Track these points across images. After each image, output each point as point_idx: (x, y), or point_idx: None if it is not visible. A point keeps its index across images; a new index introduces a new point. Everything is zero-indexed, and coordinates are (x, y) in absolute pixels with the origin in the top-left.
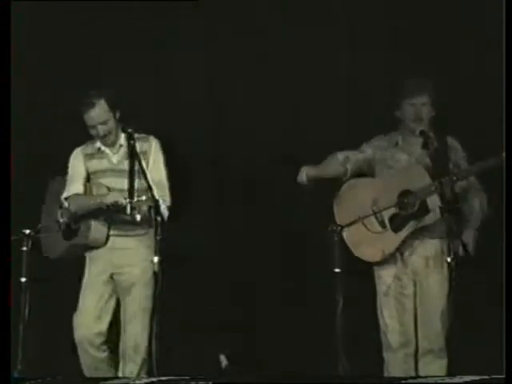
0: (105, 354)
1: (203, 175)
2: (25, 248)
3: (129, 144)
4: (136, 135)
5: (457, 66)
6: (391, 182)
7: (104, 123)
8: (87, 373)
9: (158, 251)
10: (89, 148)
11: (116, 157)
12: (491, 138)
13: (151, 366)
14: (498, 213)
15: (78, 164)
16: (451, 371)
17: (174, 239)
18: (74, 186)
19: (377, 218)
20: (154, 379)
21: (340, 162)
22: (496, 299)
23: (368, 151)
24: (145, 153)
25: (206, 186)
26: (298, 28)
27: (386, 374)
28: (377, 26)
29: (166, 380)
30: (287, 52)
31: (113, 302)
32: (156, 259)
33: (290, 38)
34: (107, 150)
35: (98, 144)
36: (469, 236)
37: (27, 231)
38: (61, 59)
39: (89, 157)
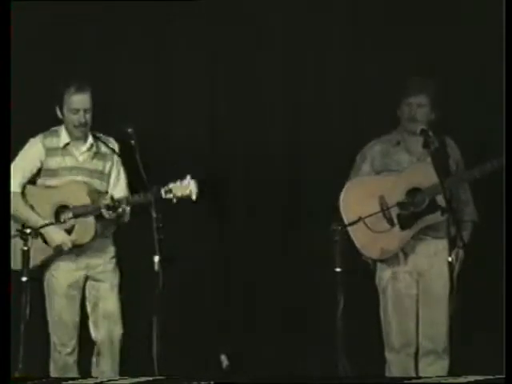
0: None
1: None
2: (25, 247)
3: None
4: (98, 135)
5: (457, 67)
6: (399, 179)
7: (87, 112)
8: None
9: (158, 250)
10: (50, 141)
11: (82, 156)
12: (492, 138)
13: (152, 365)
14: (499, 212)
15: (33, 157)
16: (453, 371)
17: (175, 239)
18: (17, 181)
19: (385, 215)
20: (155, 378)
21: None
22: (497, 298)
23: (366, 166)
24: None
25: (206, 182)
26: (302, 27)
27: (387, 374)
28: (380, 25)
29: (167, 380)
30: (291, 52)
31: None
32: (156, 258)
33: (294, 37)
34: (74, 149)
35: (65, 138)
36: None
37: (28, 230)
38: (61, 60)
39: (51, 152)
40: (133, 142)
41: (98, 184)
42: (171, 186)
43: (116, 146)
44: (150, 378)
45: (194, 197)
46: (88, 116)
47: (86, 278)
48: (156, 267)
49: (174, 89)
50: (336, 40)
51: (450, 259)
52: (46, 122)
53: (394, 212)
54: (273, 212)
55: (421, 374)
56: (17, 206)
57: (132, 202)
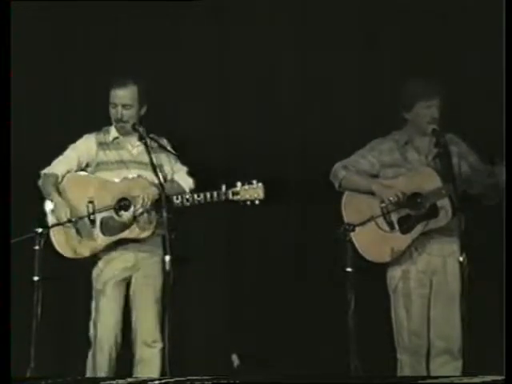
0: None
1: (214, 171)
2: (37, 247)
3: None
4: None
5: (458, 67)
6: (401, 183)
7: (125, 107)
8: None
9: (170, 249)
10: (102, 136)
11: (136, 149)
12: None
13: (163, 365)
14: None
15: (82, 149)
16: (466, 372)
17: (185, 238)
18: (60, 167)
19: (385, 218)
20: (168, 379)
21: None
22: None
23: (370, 157)
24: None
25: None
26: (308, 28)
27: (399, 374)
28: (385, 25)
29: (176, 380)
30: (297, 53)
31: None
32: (168, 258)
33: (300, 38)
34: (125, 141)
35: (114, 133)
36: None
37: (39, 230)
38: (68, 61)
39: (103, 146)
40: (144, 140)
41: (150, 176)
42: (239, 188)
43: (167, 144)
44: (163, 378)
45: (257, 201)
46: (126, 112)
47: (128, 277)
48: (167, 266)
49: (183, 89)
50: (343, 40)
51: (461, 259)
52: (47, 122)
53: (395, 216)
54: (284, 212)
55: (433, 374)
56: (49, 187)
57: (196, 200)
